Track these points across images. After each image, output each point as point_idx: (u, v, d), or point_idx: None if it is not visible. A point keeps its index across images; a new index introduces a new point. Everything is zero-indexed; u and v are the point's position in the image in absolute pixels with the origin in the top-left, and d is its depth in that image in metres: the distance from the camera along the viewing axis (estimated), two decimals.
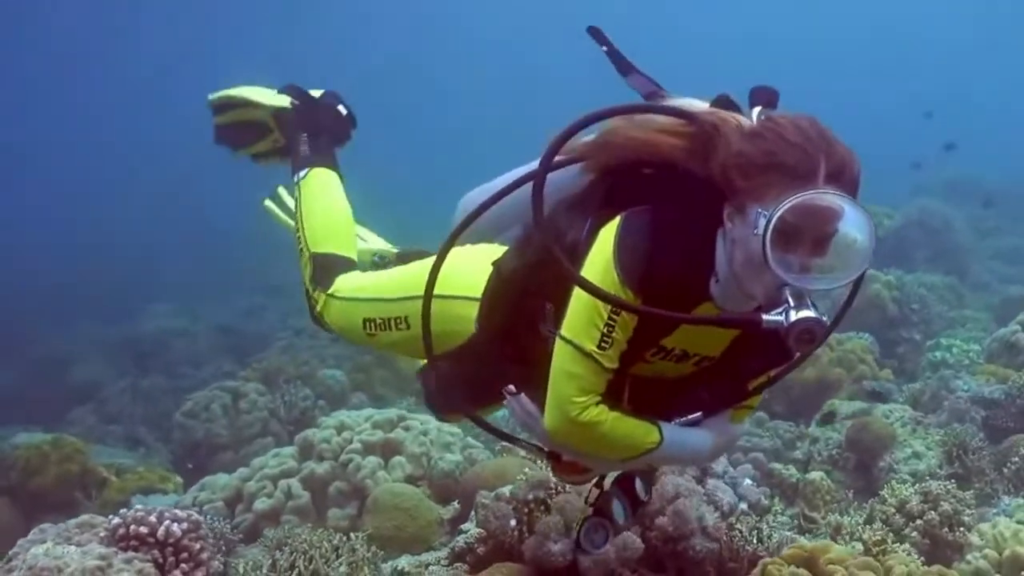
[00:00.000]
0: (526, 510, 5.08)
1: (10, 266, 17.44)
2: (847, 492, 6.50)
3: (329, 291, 3.48)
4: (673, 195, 2.56)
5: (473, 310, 3.06)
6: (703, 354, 2.73)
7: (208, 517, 6.25)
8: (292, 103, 3.90)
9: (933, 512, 5.58)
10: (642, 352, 2.67)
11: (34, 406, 11.78)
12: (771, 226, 2.28)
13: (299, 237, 3.65)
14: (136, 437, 10.74)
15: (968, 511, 5.64)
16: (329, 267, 3.55)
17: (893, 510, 5.68)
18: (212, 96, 3.98)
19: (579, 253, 2.61)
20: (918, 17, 37.18)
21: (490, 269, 3.02)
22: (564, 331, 2.62)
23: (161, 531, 4.35)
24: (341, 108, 3.92)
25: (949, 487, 5.78)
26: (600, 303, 2.52)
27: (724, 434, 2.87)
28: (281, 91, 3.95)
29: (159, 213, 23.08)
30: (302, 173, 3.76)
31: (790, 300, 2.36)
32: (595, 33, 2.95)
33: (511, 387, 2.86)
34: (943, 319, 10.15)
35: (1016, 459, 6.53)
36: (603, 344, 2.57)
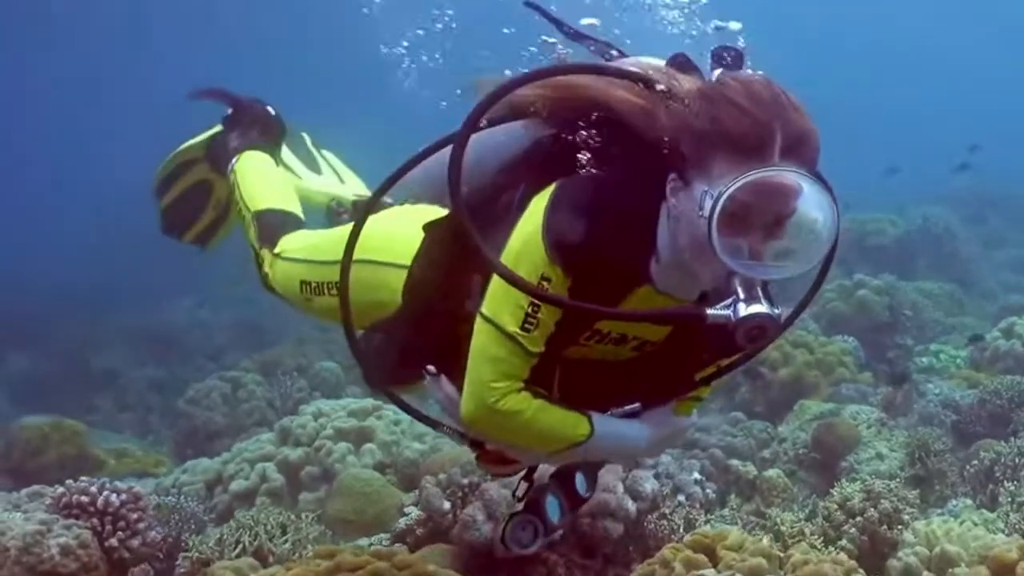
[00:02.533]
0: (460, 494, 5.28)
1: (37, 254, 17.93)
2: (797, 489, 6.59)
3: (275, 250, 3.26)
4: (616, 161, 2.35)
5: (401, 279, 2.79)
6: (644, 338, 2.49)
7: (182, 498, 6.53)
8: (223, 121, 3.79)
9: (873, 510, 5.64)
10: (574, 336, 2.43)
11: (55, 393, 12.18)
12: (717, 208, 2.04)
13: (239, 206, 3.49)
14: (148, 424, 11.08)
15: (909, 509, 5.69)
16: (274, 225, 3.35)
17: (836, 507, 5.75)
18: (154, 182, 3.90)
19: (508, 222, 2.39)
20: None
21: (422, 234, 2.75)
22: (485, 309, 2.38)
23: (101, 501, 4.60)
24: (269, 108, 3.80)
25: (892, 486, 5.83)
26: (527, 274, 2.28)
27: (666, 427, 2.61)
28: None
29: None
30: (234, 161, 3.63)
31: (739, 291, 2.14)
32: (534, 6, 2.70)
33: (431, 367, 2.64)
34: (940, 325, 10.12)
35: (975, 462, 6.55)
36: (527, 325, 2.33)
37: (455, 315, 2.57)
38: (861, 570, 4.54)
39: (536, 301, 2.30)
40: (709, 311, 2.17)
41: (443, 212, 2.70)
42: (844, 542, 5.57)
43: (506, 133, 2.52)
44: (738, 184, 2.03)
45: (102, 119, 28.17)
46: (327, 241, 3.10)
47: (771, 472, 6.64)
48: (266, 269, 3.27)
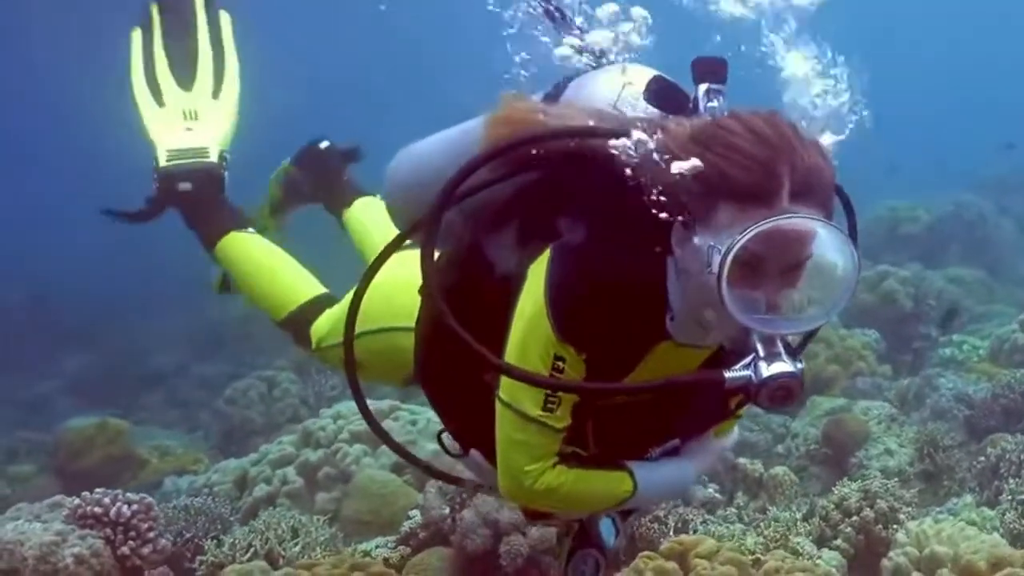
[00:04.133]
0: (459, 499, 5.49)
1: (93, 252, 18.40)
2: (806, 486, 6.70)
3: (312, 348, 3.22)
4: (613, 214, 2.14)
5: (410, 341, 2.68)
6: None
7: (210, 499, 6.84)
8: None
9: (869, 509, 5.75)
10: (600, 398, 2.30)
11: (110, 389, 12.65)
12: (727, 264, 1.87)
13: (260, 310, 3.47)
14: (196, 421, 11.46)
15: (905, 509, 5.79)
16: (298, 326, 3.29)
17: (833, 506, 5.86)
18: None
19: (510, 292, 2.23)
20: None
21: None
22: (502, 394, 2.23)
23: (113, 511, 4.88)
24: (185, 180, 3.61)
25: (890, 486, 5.93)
26: (539, 359, 2.14)
27: (707, 455, 2.53)
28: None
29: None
30: (212, 253, 3.56)
31: (759, 348, 1.96)
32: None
33: (453, 445, 2.58)
34: (968, 314, 10.07)
35: (983, 458, 6.59)
36: (549, 406, 2.19)
37: (470, 387, 2.40)
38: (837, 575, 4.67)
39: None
40: (727, 375, 1.99)
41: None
42: (840, 541, 5.70)
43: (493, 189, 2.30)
44: (747, 237, 1.86)
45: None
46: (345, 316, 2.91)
47: (778, 470, 6.74)
48: (323, 363, 3.41)
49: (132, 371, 13.28)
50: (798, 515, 5.94)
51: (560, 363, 2.15)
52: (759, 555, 4.80)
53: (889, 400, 7.85)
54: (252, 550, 5.48)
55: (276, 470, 7.22)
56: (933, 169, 14.79)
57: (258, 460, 7.48)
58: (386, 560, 5.40)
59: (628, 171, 2.05)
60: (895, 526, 5.67)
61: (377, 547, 5.71)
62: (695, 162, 1.93)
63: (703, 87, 2.15)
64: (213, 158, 3.62)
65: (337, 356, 2.90)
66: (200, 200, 3.57)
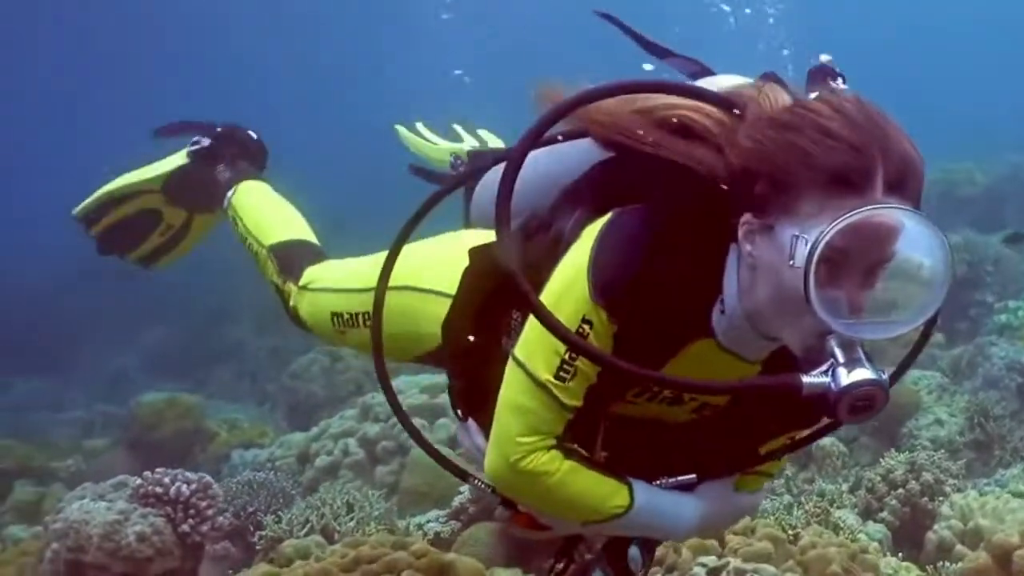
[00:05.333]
0: None
1: None
2: (855, 457, 6.74)
3: (300, 282, 2.96)
4: (680, 192, 1.95)
5: (444, 309, 2.46)
6: (705, 400, 2.12)
7: (272, 474, 7.10)
8: (189, 154, 3.57)
9: (915, 482, 5.79)
10: (620, 389, 2.08)
11: (184, 362, 13.05)
12: (815, 256, 1.68)
13: (248, 243, 3.24)
14: (264, 395, 11.78)
15: (951, 481, 5.82)
16: (294, 256, 3.09)
17: (879, 478, 5.91)
18: (76, 210, 3.65)
19: (557, 256, 2.06)
20: None
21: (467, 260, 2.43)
22: (518, 351, 2.04)
23: (173, 491, 5.12)
24: (251, 133, 3.61)
25: (936, 458, 5.96)
26: (566, 316, 1.93)
27: (723, 505, 2.24)
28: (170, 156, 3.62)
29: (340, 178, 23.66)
30: (229, 194, 3.40)
31: (838, 353, 1.77)
32: (608, 17, 2.42)
33: (458, 411, 2.39)
34: None
35: None
36: (562, 374, 1.98)
37: (490, 356, 2.24)
38: (876, 550, 4.74)
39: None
40: (806, 380, 1.78)
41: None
42: (885, 514, 5.75)
43: (565, 153, 2.18)
44: (841, 226, 1.67)
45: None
46: (362, 267, 2.78)
47: (826, 440, 6.79)
48: (292, 303, 2.97)
49: (206, 345, 13.67)
50: (844, 487, 6.00)
51: (586, 327, 1.94)
52: (799, 529, 4.87)
53: (942, 369, 7.83)
54: (308, 525, 5.70)
55: (336, 443, 7.47)
56: (982, 131, 14.43)
57: (319, 434, 7.74)
58: (437, 534, 5.59)
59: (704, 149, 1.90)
60: (941, 498, 5.71)
61: (429, 521, 5.89)
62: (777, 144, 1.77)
63: (813, 96, 1.95)
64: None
65: (318, 302, 2.86)
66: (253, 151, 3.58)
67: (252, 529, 6.06)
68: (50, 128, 28.00)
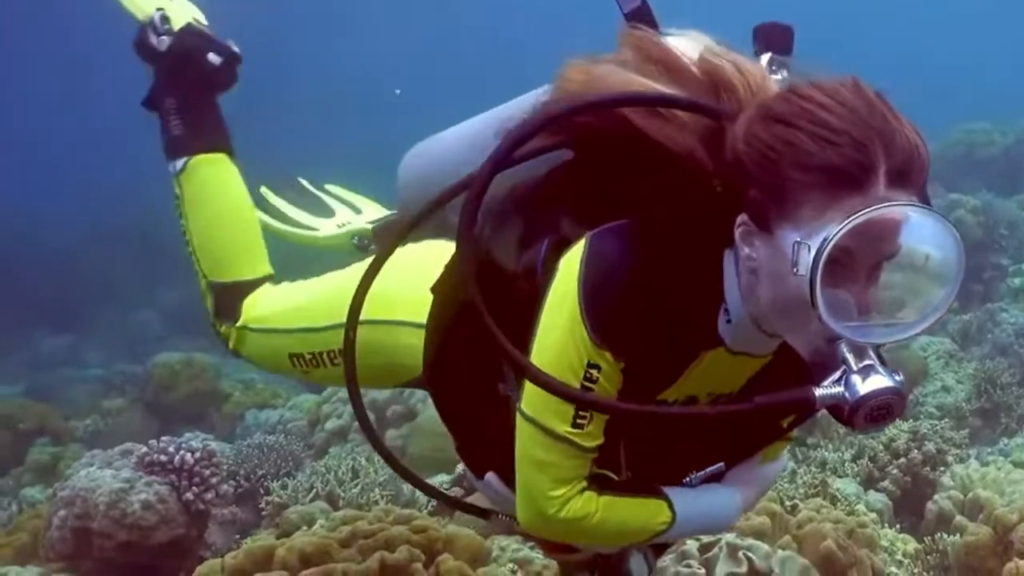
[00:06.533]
0: None
1: None
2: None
3: (239, 323, 2.69)
4: (665, 197, 1.81)
5: (419, 339, 2.31)
6: (718, 392, 2.02)
7: (283, 437, 7.19)
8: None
9: (917, 451, 5.79)
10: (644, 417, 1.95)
11: (202, 322, 13.09)
12: (821, 264, 1.57)
13: (190, 251, 2.82)
14: None
15: (955, 450, 5.83)
16: (234, 295, 2.75)
17: (881, 447, 5.91)
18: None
19: (534, 289, 1.92)
20: None
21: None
22: (526, 407, 1.91)
23: (177, 459, 5.20)
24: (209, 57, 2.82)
25: (939, 427, 5.96)
26: (570, 367, 1.83)
27: (755, 483, 2.20)
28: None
29: None
30: (179, 164, 2.81)
31: (849, 359, 1.66)
32: None
33: (467, 468, 2.31)
34: None
35: None
36: (579, 422, 1.88)
37: (484, 399, 2.12)
38: (873, 524, 4.76)
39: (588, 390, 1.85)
40: (819, 392, 1.67)
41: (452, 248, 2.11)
42: (887, 483, 5.76)
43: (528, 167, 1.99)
44: (846, 229, 1.56)
45: None
46: (313, 302, 2.57)
47: None
48: (232, 345, 2.73)
49: None
50: (847, 456, 6.01)
51: (594, 371, 1.84)
52: (797, 501, 4.89)
53: (951, 335, 7.79)
54: (314, 491, 5.78)
55: (347, 406, 7.54)
56: (1005, 92, 14.23)
57: (329, 396, 7.82)
58: None
59: (683, 160, 1.77)
60: (942, 468, 5.71)
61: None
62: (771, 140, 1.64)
63: (766, 57, 1.90)
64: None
65: (269, 344, 2.62)
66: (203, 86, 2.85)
67: (262, 493, 6.18)
68: (70, 96, 28.05)
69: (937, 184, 9.58)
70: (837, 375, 1.66)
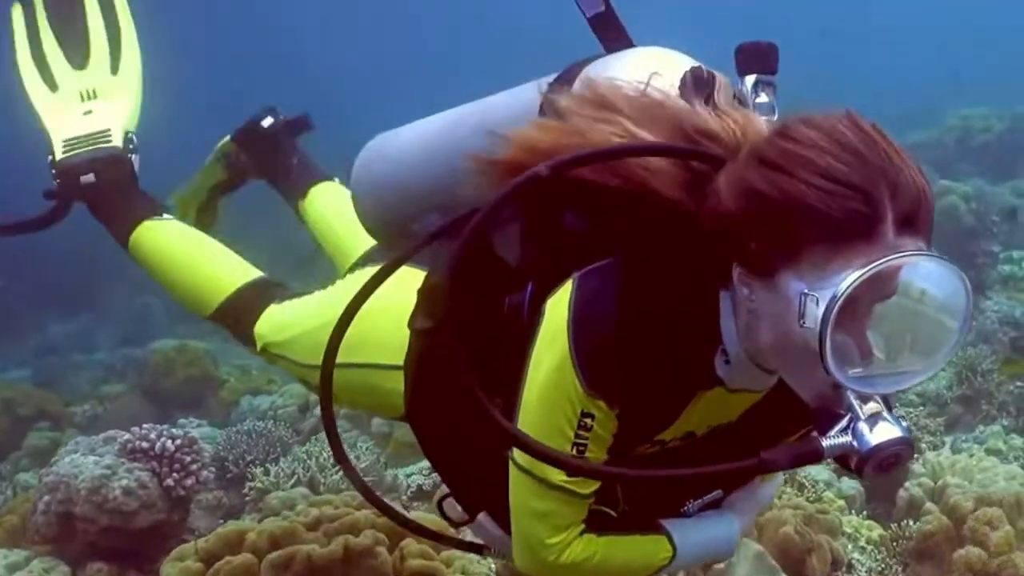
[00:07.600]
0: None
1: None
2: None
3: (259, 349, 2.72)
4: (653, 239, 1.75)
5: (399, 382, 2.27)
6: (715, 424, 1.99)
7: (272, 423, 7.30)
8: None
9: None
10: (631, 449, 1.94)
11: None
12: (831, 319, 1.50)
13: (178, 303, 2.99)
14: None
15: (929, 437, 5.87)
16: (235, 319, 2.81)
17: None
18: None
19: (521, 332, 1.87)
20: None
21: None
22: (518, 457, 1.89)
23: (158, 446, 5.29)
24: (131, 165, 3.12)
25: (915, 413, 6.01)
26: (564, 416, 1.80)
27: (754, 507, 2.21)
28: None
29: None
30: (126, 246, 3.01)
31: (856, 407, 1.61)
32: None
33: (457, 509, 2.25)
34: None
35: (1020, 383, 6.60)
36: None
37: (475, 448, 2.08)
38: (837, 511, 4.82)
39: (580, 441, 1.80)
40: (825, 444, 1.61)
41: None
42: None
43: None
44: (856, 284, 1.49)
45: None
46: (307, 335, 2.55)
47: None
48: (270, 363, 2.77)
49: None
50: None
51: (588, 420, 1.79)
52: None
53: None
54: (295, 477, 5.88)
55: None
56: (1005, 77, 14.19)
57: None
58: (420, 487, 5.75)
59: (678, 212, 1.69)
60: (917, 456, 5.74)
61: (412, 474, 6.06)
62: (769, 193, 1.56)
63: (751, 79, 1.80)
64: (116, 142, 3.12)
65: (294, 371, 2.66)
66: (107, 191, 3.05)
67: (251, 478, 6.28)
68: None
69: (931, 168, 9.60)
70: (844, 423, 1.62)
